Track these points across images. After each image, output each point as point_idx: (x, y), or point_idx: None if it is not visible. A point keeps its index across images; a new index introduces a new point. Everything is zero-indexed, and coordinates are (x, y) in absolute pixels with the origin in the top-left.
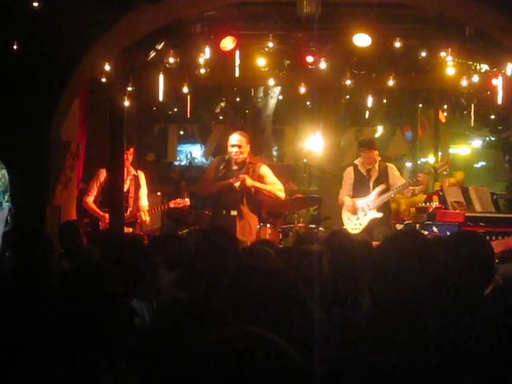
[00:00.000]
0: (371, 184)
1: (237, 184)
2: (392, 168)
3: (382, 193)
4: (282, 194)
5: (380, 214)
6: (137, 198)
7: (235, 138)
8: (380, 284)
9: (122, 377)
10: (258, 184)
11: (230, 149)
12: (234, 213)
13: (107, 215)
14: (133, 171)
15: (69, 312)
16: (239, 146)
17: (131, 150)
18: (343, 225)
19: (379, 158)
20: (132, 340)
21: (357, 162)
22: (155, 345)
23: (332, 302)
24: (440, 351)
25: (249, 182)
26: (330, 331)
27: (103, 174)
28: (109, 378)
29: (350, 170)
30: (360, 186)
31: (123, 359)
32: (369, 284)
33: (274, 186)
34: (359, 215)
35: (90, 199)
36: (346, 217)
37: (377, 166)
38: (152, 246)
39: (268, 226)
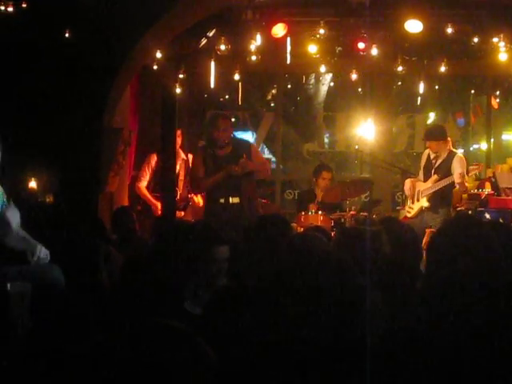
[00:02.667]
0: (433, 171)
1: (236, 169)
2: (458, 158)
3: (435, 182)
4: (268, 169)
5: (427, 204)
6: (187, 182)
7: (221, 122)
8: (436, 266)
9: None
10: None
11: (217, 133)
12: (235, 200)
13: (159, 204)
14: (183, 155)
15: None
16: (225, 130)
17: (178, 132)
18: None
19: (449, 147)
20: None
21: None
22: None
23: (387, 283)
24: (493, 332)
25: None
26: (385, 313)
27: (154, 159)
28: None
29: (425, 152)
30: (426, 171)
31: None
32: (425, 265)
33: (262, 162)
34: (414, 200)
35: (143, 184)
36: (406, 199)
37: (445, 154)
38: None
39: (320, 213)
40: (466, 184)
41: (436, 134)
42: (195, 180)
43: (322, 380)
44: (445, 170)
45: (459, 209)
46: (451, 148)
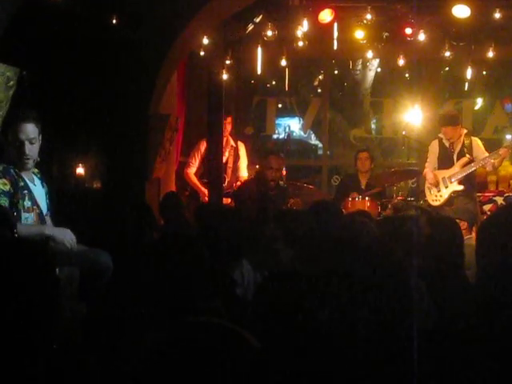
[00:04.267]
0: (455, 157)
1: None
2: (476, 141)
3: (464, 165)
4: None
5: (461, 187)
6: (235, 169)
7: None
8: (488, 255)
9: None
10: None
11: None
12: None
13: (206, 190)
14: (232, 142)
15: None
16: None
17: (228, 119)
18: (425, 197)
19: (464, 131)
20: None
21: (441, 135)
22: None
23: (430, 271)
24: None
25: None
26: (428, 299)
27: (204, 145)
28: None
29: (435, 143)
30: (444, 159)
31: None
32: (476, 251)
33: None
34: (440, 187)
35: (192, 171)
36: (427, 189)
37: (461, 138)
38: (273, 220)
39: (367, 199)
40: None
41: (453, 119)
42: None
43: (372, 367)
44: (468, 154)
45: (506, 194)
46: (464, 132)
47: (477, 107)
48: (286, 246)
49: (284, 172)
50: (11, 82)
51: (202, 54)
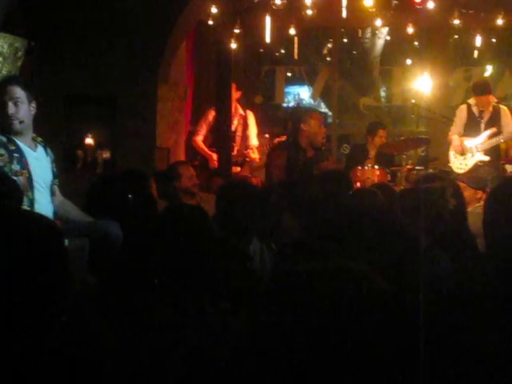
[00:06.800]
0: (482, 126)
1: None
2: (505, 111)
3: (492, 136)
4: None
5: (487, 158)
6: (245, 137)
7: None
8: (496, 223)
9: (226, 315)
10: None
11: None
12: None
13: (215, 155)
14: (241, 111)
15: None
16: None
17: (233, 85)
18: (449, 162)
19: (495, 100)
20: (243, 282)
21: (471, 101)
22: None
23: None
24: None
25: None
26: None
27: (212, 114)
28: (212, 315)
29: (464, 108)
30: (471, 126)
31: (228, 299)
32: (484, 223)
33: None
34: (466, 156)
35: (199, 138)
36: (452, 155)
37: (491, 107)
38: (279, 191)
39: (376, 167)
40: None
41: (485, 88)
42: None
43: (377, 335)
44: (495, 124)
45: None
46: (494, 101)
47: (486, 74)
48: (293, 216)
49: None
50: (19, 53)
51: (210, 23)
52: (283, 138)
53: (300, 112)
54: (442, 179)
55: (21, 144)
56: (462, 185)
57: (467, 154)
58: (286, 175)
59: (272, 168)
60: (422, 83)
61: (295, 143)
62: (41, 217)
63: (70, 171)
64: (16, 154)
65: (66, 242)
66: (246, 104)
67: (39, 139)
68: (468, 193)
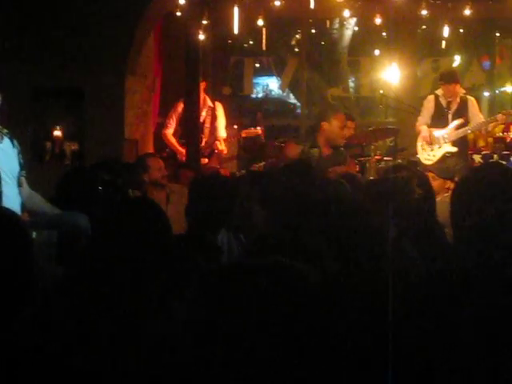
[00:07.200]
0: (450, 116)
1: None
2: (473, 101)
3: (459, 127)
4: None
5: (455, 149)
6: (213, 129)
7: None
8: (463, 213)
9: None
10: None
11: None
12: None
13: (184, 150)
14: (209, 102)
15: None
16: None
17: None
18: (417, 153)
19: (462, 91)
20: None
21: (438, 92)
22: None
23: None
24: None
25: None
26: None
27: (181, 106)
28: (178, 305)
29: (431, 98)
30: (438, 117)
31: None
32: (451, 213)
33: None
34: (434, 147)
35: (170, 132)
36: (420, 146)
37: (458, 98)
38: (246, 182)
39: None
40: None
41: (452, 77)
42: None
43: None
44: (463, 115)
45: (484, 152)
46: (462, 92)
47: (454, 65)
48: (262, 207)
49: None
50: None
51: (178, 14)
52: (252, 130)
53: (326, 111)
54: (409, 169)
55: None
56: (430, 175)
57: (435, 145)
58: None
59: (285, 160)
60: (390, 74)
61: (313, 139)
62: (3, 210)
63: (38, 163)
64: None
65: (34, 234)
66: (215, 95)
67: (5, 131)
68: (437, 183)
